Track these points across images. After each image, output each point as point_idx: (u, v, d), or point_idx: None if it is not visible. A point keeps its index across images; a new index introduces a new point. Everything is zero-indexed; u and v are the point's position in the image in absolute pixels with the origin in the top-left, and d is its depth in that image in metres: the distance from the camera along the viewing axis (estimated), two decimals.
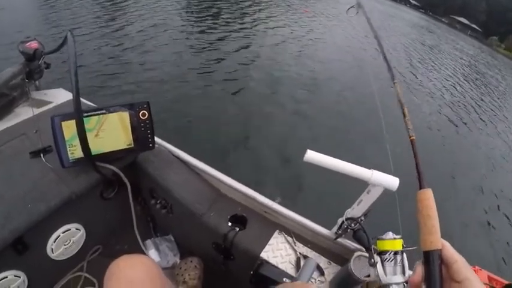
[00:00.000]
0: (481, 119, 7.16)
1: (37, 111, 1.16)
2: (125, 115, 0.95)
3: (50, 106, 1.23)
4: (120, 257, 0.67)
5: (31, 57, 1.20)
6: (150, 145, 1.03)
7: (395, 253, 0.62)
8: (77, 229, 1.02)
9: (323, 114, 4.44)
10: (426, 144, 4.48)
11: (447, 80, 8.97)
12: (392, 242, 0.63)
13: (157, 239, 1.23)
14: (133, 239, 1.14)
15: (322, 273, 0.87)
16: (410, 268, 0.52)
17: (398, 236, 0.64)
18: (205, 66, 4.92)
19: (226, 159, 3.06)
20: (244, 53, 5.83)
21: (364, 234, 0.83)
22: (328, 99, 5.00)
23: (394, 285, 0.61)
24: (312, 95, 4.94)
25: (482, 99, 8.73)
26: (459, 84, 9.23)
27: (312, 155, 0.75)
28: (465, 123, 6.38)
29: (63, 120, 0.88)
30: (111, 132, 0.94)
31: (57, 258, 0.99)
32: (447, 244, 0.42)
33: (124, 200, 1.06)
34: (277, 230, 0.95)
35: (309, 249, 0.92)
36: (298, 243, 0.93)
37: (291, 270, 0.87)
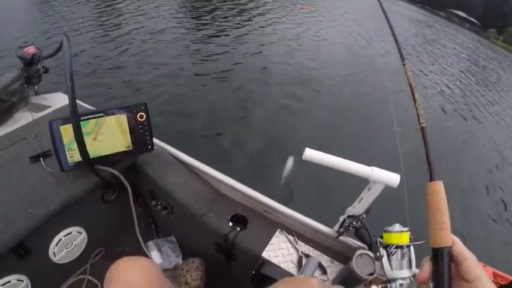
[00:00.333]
0: (485, 111, 7.12)
1: (36, 115, 1.17)
2: (123, 117, 0.95)
3: (49, 110, 1.23)
4: (120, 259, 0.68)
5: (29, 62, 1.21)
6: (149, 147, 1.03)
7: (402, 247, 0.60)
8: (78, 232, 1.02)
9: (325, 112, 4.43)
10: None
11: (450, 75, 8.92)
12: (399, 235, 0.61)
13: (159, 240, 1.23)
14: (135, 240, 1.14)
15: (324, 271, 0.86)
16: (418, 262, 0.50)
17: (405, 229, 0.61)
18: (202, 66, 4.92)
19: (226, 158, 3.06)
20: (242, 52, 5.82)
21: (365, 231, 0.83)
22: (331, 98, 4.99)
23: (400, 280, 0.59)
24: (315, 93, 4.91)
25: (483, 93, 8.67)
26: (461, 78, 9.18)
27: (311, 153, 0.75)
28: (470, 116, 6.34)
29: (62, 125, 0.88)
30: (110, 135, 0.94)
31: (59, 262, 1.00)
32: (457, 240, 0.39)
33: (125, 202, 1.06)
34: (279, 229, 0.95)
35: (311, 248, 0.91)
36: (299, 242, 0.93)
37: (292, 270, 0.86)
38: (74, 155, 0.91)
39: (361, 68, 6.61)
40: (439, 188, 0.42)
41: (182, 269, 1.04)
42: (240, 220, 0.98)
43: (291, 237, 0.93)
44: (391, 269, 0.60)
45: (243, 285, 0.96)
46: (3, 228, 0.79)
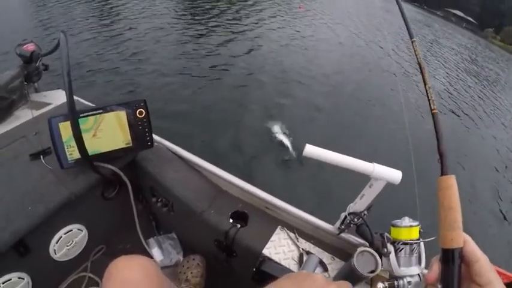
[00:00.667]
0: (485, 112, 7.14)
1: (36, 113, 1.17)
2: (122, 114, 0.94)
3: (49, 108, 1.23)
4: (118, 258, 0.68)
5: (28, 60, 1.21)
6: (149, 143, 1.02)
7: (412, 242, 0.56)
8: (79, 230, 1.02)
9: (331, 109, 4.45)
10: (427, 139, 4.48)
11: (452, 77, 8.94)
12: (408, 230, 0.57)
13: (160, 237, 1.23)
14: (136, 237, 1.14)
15: (325, 269, 0.86)
16: (428, 257, 0.48)
17: (415, 223, 0.58)
18: (203, 64, 4.92)
19: (228, 155, 3.06)
20: (243, 49, 5.83)
21: (367, 228, 0.82)
22: (334, 95, 5.00)
23: (408, 278, 0.56)
24: (324, 93, 4.92)
25: (484, 93, 8.70)
26: (461, 78, 9.22)
27: (311, 150, 0.74)
28: (471, 118, 6.36)
29: (61, 122, 0.88)
30: (109, 132, 0.94)
31: (60, 259, 0.99)
32: (469, 240, 0.37)
33: (125, 199, 1.06)
34: (279, 226, 0.95)
35: (312, 245, 0.91)
36: (300, 239, 0.92)
37: (293, 267, 0.86)
38: (73, 152, 0.90)
39: (362, 65, 6.64)
40: (451, 182, 0.39)
41: (183, 266, 1.04)
42: (240, 217, 0.98)
43: (291, 234, 0.93)
44: (399, 266, 0.57)
45: (244, 282, 0.96)
46: (3, 226, 0.78)
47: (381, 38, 9.58)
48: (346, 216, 0.85)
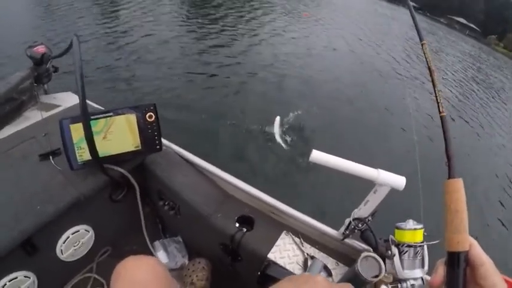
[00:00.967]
0: (491, 119, 7.13)
1: (46, 114, 1.18)
2: (132, 117, 0.96)
3: (59, 109, 1.25)
4: (127, 258, 0.68)
5: (39, 62, 1.23)
6: (158, 147, 1.04)
7: (416, 245, 0.57)
8: (86, 230, 1.03)
9: (339, 114, 4.46)
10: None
11: (457, 86, 8.94)
12: (412, 232, 0.57)
13: (165, 240, 1.23)
14: (142, 240, 1.15)
15: (329, 274, 0.87)
16: (431, 261, 0.48)
17: (419, 226, 0.58)
18: (210, 69, 4.96)
19: (234, 158, 3.07)
20: (250, 56, 5.88)
21: (371, 234, 0.83)
22: (341, 101, 5.02)
23: (411, 280, 0.56)
24: (330, 98, 4.95)
25: (489, 101, 8.70)
26: (466, 86, 9.22)
27: (318, 155, 0.75)
28: (477, 124, 6.36)
29: (72, 123, 0.89)
30: (119, 135, 0.95)
31: (66, 260, 1.00)
32: (475, 243, 0.37)
33: (132, 201, 1.07)
34: (285, 231, 0.95)
35: (317, 250, 0.92)
36: (305, 244, 0.93)
37: (298, 271, 0.86)
38: (83, 154, 0.92)
39: (369, 73, 6.68)
40: (459, 186, 0.38)
41: (188, 269, 1.05)
42: (246, 221, 0.98)
43: (296, 239, 0.94)
44: (403, 268, 0.57)
45: (249, 286, 0.96)
46: (12, 225, 0.79)
47: (389, 44, 9.64)
48: (350, 222, 0.86)
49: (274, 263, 0.88)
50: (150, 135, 1.00)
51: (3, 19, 5.40)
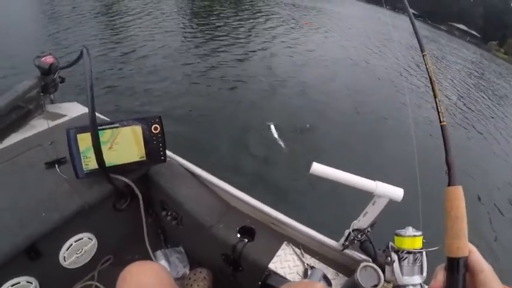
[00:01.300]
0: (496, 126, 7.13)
1: (52, 123, 1.21)
2: (138, 129, 0.98)
3: (65, 119, 1.27)
4: (132, 263, 0.69)
5: (46, 72, 1.25)
6: (162, 158, 1.06)
7: (415, 252, 0.57)
8: (89, 238, 1.04)
9: (339, 125, 4.48)
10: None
11: (461, 92, 8.97)
12: (412, 239, 0.58)
13: (167, 250, 1.24)
14: (144, 249, 1.16)
15: (329, 284, 0.88)
16: (429, 268, 0.48)
17: (418, 233, 0.59)
18: (216, 81, 5.00)
19: (235, 170, 3.08)
20: (254, 67, 5.92)
21: (370, 245, 0.84)
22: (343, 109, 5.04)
23: (410, 287, 0.57)
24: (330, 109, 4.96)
25: (493, 108, 8.70)
26: (470, 93, 9.24)
27: (318, 168, 0.77)
28: (480, 132, 6.36)
29: (79, 133, 0.91)
30: (125, 145, 0.98)
31: (69, 267, 1.01)
32: (474, 250, 0.37)
33: (136, 211, 1.09)
34: (285, 242, 0.97)
35: (317, 261, 0.93)
36: (306, 255, 0.94)
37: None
38: (89, 163, 0.94)
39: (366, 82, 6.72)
40: (459, 193, 0.39)
41: (189, 279, 1.05)
42: (247, 232, 1.00)
43: (297, 250, 0.95)
44: (402, 274, 0.58)
45: None
46: (16, 231, 0.81)
47: (389, 53, 9.71)
48: (350, 233, 0.87)
49: (275, 273, 0.89)
50: (155, 147, 1.02)
51: (6, 30, 5.48)
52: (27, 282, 0.90)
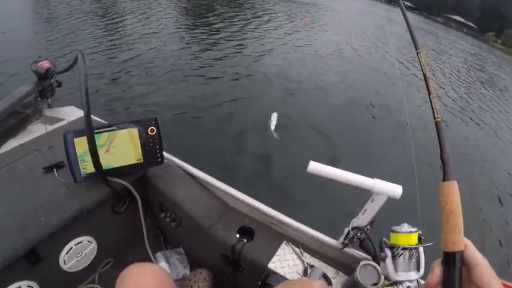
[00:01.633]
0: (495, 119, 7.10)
1: (50, 128, 1.21)
2: (134, 131, 0.98)
3: (62, 123, 1.27)
4: (131, 265, 0.69)
5: (43, 76, 1.25)
6: (159, 160, 1.06)
7: (410, 248, 0.57)
8: (89, 242, 1.04)
9: (337, 124, 4.46)
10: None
11: (460, 85, 8.93)
12: (407, 235, 0.58)
13: (167, 251, 1.25)
14: (144, 251, 1.16)
15: (329, 283, 0.88)
16: (428, 263, 0.48)
17: (414, 229, 0.59)
18: (209, 76, 5.00)
19: (232, 169, 3.08)
20: (250, 66, 5.89)
21: (370, 243, 0.84)
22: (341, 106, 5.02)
23: (406, 283, 0.57)
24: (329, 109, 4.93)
25: (495, 100, 8.67)
26: (470, 86, 9.20)
27: (315, 166, 0.77)
28: (481, 124, 6.33)
29: (76, 137, 0.91)
30: (121, 148, 0.98)
31: (69, 270, 1.01)
32: (470, 244, 0.38)
33: (135, 213, 1.09)
34: (285, 241, 0.97)
35: (316, 260, 0.93)
36: (305, 254, 0.94)
37: None
38: (86, 167, 0.94)
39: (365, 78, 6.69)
40: (453, 188, 0.40)
41: (189, 280, 1.06)
42: (247, 232, 1.00)
43: (296, 249, 0.95)
44: (397, 270, 0.58)
45: None
46: (16, 235, 0.81)
47: (386, 48, 9.66)
48: (349, 231, 0.87)
49: (275, 273, 0.89)
50: (151, 149, 1.02)
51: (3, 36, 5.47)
52: (28, 286, 0.90)
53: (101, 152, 0.91)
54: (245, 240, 0.96)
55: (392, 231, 0.61)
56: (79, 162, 0.93)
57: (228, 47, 6.63)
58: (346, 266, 0.92)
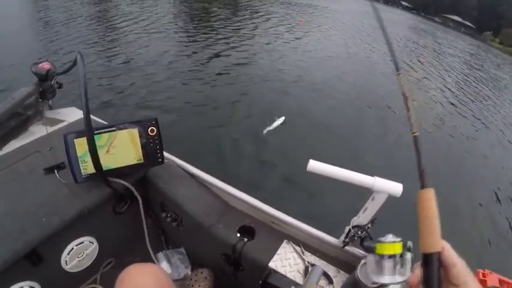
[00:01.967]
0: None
1: (50, 129, 1.21)
2: (135, 132, 0.98)
3: (63, 124, 1.27)
4: (131, 265, 0.70)
5: (44, 78, 1.25)
6: (160, 160, 1.06)
7: (395, 256, 0.61)
8: (90, 242, 1.05)
9: (335, 122, 4.47)
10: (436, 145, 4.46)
11: (464, 87, 8.95)
12: (392, 245, 0.61)
13: (168, 251, 1.25)
14: (145, 252, 1.16)
15: (330, 281, 0.88)
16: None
17: (398, 239, 0.62)
18: (211, 80, 5.01)
19: (232, 168, 3.08)
20: (248, 66, 5.92)
21: (371, 241, 0.84)
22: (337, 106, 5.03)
23: (393, 285, 0.60)
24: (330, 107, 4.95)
25: (496, 100, 8.69)
26: (471, 86, 9.23)
27: (315, 165, 0.77)
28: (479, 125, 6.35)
29: (76, 138, 0.91)
30: (122, 149, 0.98)
31: (71, 271, 1.01)
32: (448, 246, 0.40)
33: (136, 213, 1.09)
34: (285, 240, 0.97)
35: (317, 258, 0.93)
36: (306, 253, 0.94)
37: (299, 279, 0.87)
38: (87, 167, 0.94)
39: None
40: (429, 195, 0.43)
41: (191, 279, 1.06)
42: (247, 231, 1.00)
43: (297, 248, 0.95)
44: (384, 274, 0.61)
45: None
46: (17, 236, 0.81)
47: (384, 49, 9.67)
48: (350, 230, 0.87)
49: (276, 272, 0.89)
50: (152, 149, 1.02)
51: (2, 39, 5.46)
52: (30, 287, 0.90)
53: (101, 153, 0.91)
54: (246, 240, 0.96)
55: (378, 242, 0.64)
56: (80, 163, 0.93)
57: (227, 48, 6.66)
58: (347, 265, 0.92)
